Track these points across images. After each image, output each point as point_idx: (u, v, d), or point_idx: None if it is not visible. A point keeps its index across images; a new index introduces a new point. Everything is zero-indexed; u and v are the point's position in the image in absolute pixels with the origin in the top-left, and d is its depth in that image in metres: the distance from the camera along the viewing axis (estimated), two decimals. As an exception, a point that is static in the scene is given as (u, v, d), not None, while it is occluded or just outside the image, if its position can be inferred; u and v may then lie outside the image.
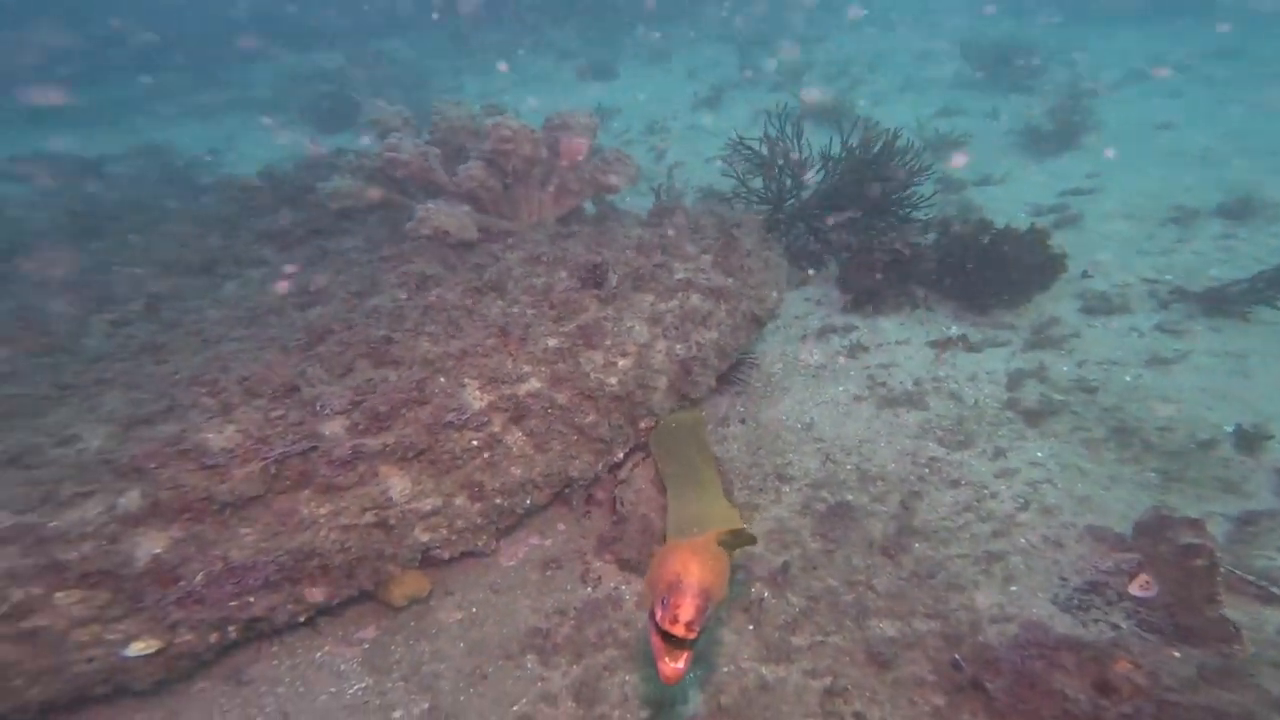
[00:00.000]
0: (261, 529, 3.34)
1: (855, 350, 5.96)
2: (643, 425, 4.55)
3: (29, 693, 3.01)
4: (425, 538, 3.74)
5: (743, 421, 5.26)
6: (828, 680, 3.44)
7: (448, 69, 20.15)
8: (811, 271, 7.35)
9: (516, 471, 3.97)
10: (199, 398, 3.74)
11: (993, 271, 6.39)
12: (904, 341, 6.11)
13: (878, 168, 7.16)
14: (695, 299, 4.79)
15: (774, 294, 5.35)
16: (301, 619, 3.55)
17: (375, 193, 5.83)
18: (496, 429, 3.91)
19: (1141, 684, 2.74)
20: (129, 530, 3.18)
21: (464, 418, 3.72)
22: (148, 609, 3.12)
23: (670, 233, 5.49)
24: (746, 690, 3.45)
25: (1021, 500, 4.44)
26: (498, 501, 3.92)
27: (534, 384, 4.07)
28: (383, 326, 4.22)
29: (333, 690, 3.59)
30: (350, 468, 3.52)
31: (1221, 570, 3.46)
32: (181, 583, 3.14)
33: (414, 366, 3.90)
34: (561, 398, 4.13)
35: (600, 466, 4.37)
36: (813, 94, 12.76)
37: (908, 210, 7.30)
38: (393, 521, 3.59)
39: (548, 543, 4.40)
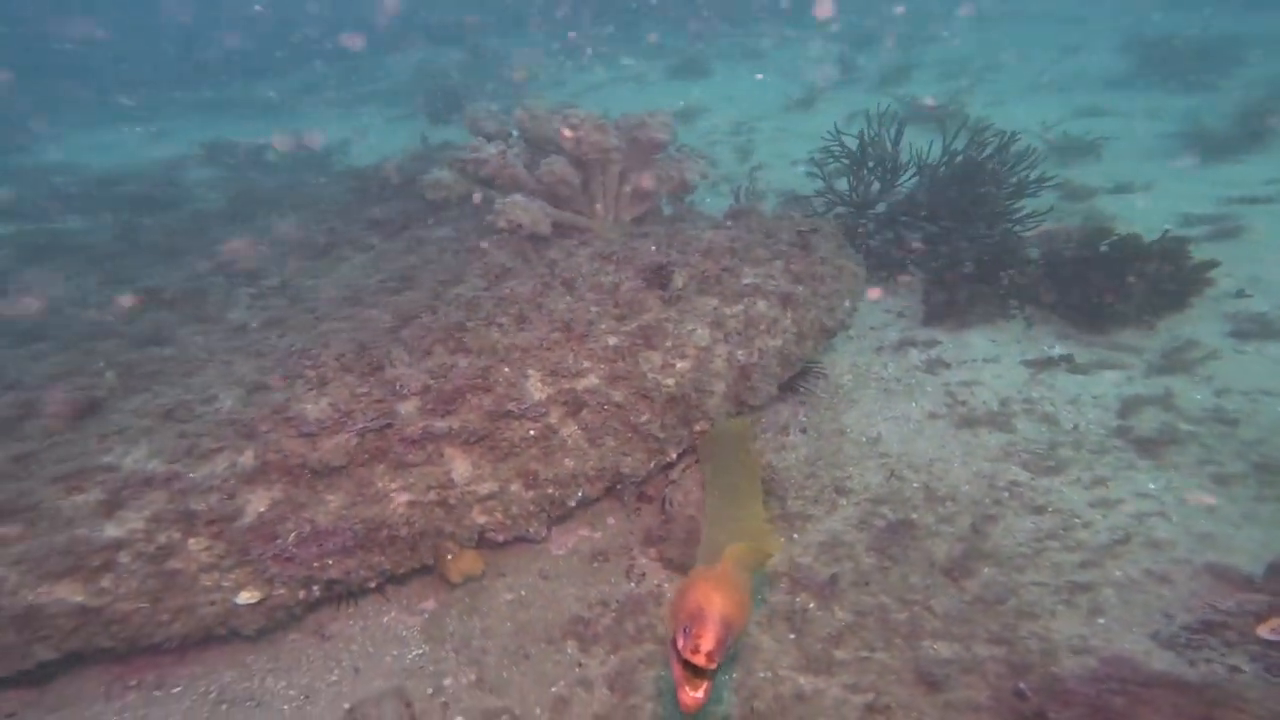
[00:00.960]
0: (344, 497, 3.64)
1: (934, 365, 5.70)
2: (697, 428, 4.57)
3: (173, 627, 3.45)
4: (482, 520, 3.95)
5: (804, 431, 5.16)
6: (870, 696, 3.33)
7: (554, 66, 20.77)
8: (900, 279, 7.06)
9: (570, 463, 4.11)
10: (304, 369, 4.14)
11: (1110, 286, 5.86)
12: (993, 360, 5.76)
13: (980, 174, 6.78)
14: (761, 305, 4.76)
15: (846, 303, 5.22)
16: (372, 584, 3.83)
17: (464, 187, 6.18)
18: (553, 421, 4.06)
19: None
20: (244, 488, 3.57)
21: (523, 407, 3.89)
22: (252, 561, 3.48)
23: (743, 236, 5.48)
24: (782, 698, 3.39)
25: (1122, 532, 4.07)
26: (550, 491, 4.07)
27: (592, 380, 4.20)
28: (460, 315, 4.48)
29: (395, 653, 3.84)
30: (420, 447, 3.77)
31: None
32: (278, 540, 3.47)
33: (482, 355, 4.12)
34: (618, 395, 4.23)
35: (652, 465, 4.44)
36: (923, 97, 12.20)
37: (1010, 222, 6.85)
38: (453, 501, 3.81)
39: (597, 535, 4.52)
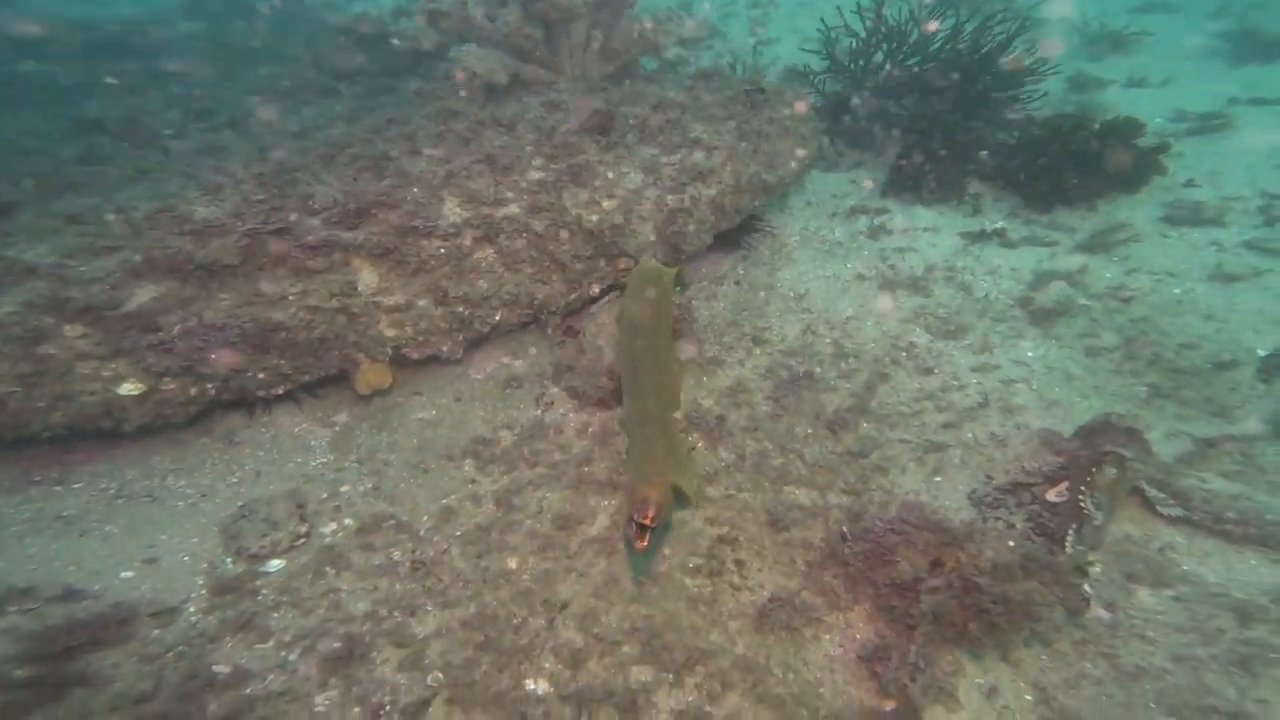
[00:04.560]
0: (237, 297, 3.72)
1: (877, 232, 5.65)
2: (622, 265, 4.61)
3: (52, 416, 3.54)
4: (391, 333, 4.06)
5: (737, 283, 5.19)
6: (724, 529, 3.54)
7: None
8: (882, 154, 6.86)
9: (483, 284, 4.17)
10: (210, 180, 4.15)
11: (1070, 170, 5.78)
12: (933, 229, 5.75)
13: (978, 61, 6.46)
14: (699, 156, 4.70)
15: (791, 164, 5.12)
16: (279, 391, 3.98)
17: (434, 39, 6.03)
18: (467, 243, 4.10)
19: (959, 565, 2.88)
20: (129, 280, 3.62)
21: (430, 225, 3.92)
22: (128, 352, 3.56)
23: (703, 96, 5.33)
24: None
25: (986, 396, 4.25)
26: (460, 310, 4.16)
27: (513, 209, 4.20)
28: (393, 147, 4.44)
29: (299, 461, 4.05)
30: (324, 255, 3.81)
31: (1131, 483, 3.38)
32: (160, 332, 3.56)
33: (400, 178, 4.12)
34: (538, 225, 4.24)
35: (573, 297, 4.51)
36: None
37: (995, 108, 6.57)
38: (356, 310, 3.91)
39: (517, 363, 4.65)
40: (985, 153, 6.19)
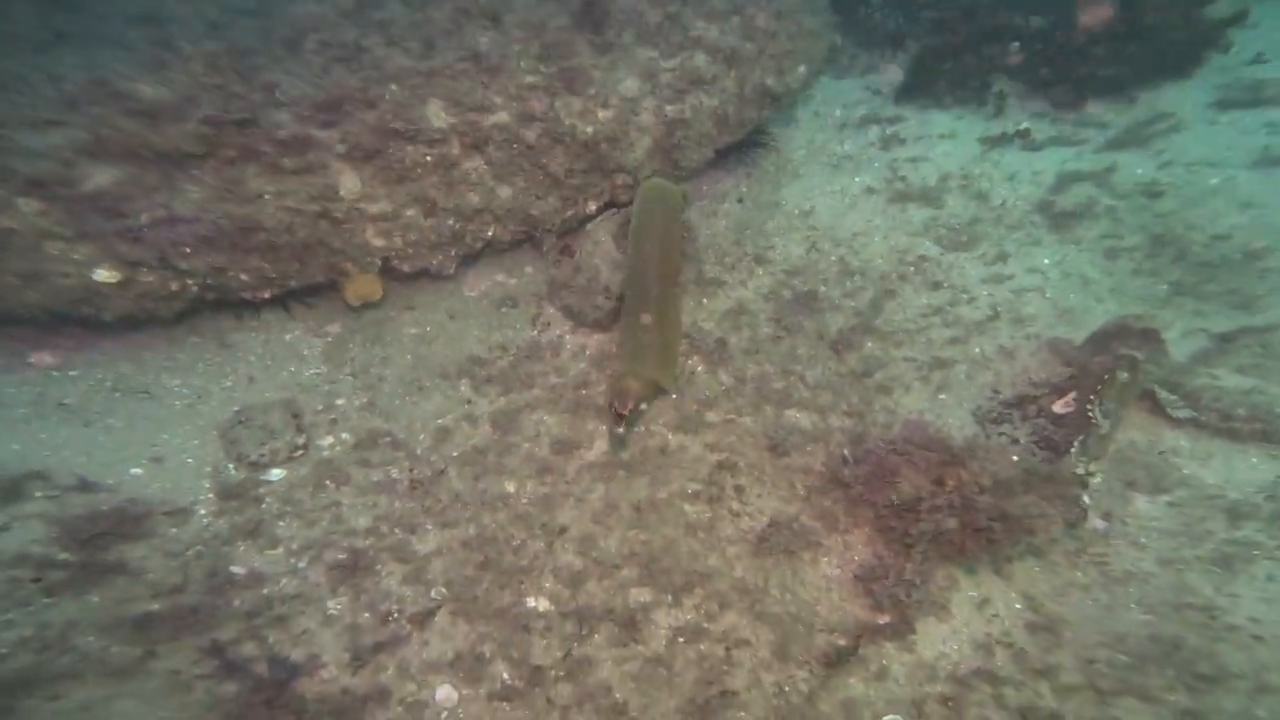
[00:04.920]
0: (207, 191, 3.50)
1: (889, 142, 5.38)
2: (619, 181, 4.40)
3: (27, 295, 3.43)
4: (379, 242, 3.89)
5: (740, 201, 4.98)
6: (724, 455, 3.49)
7: None
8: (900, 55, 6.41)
9: (474, 198, 3.98)
10: (150, 55, 3.77)
11: (1112, 54, 5.37)
12: (949, 135, 5.46)
13: None
14: (701, 60, 4.38)
15: (800, 69, 4.79)
16: (266, 295, 3.84)
17: None
18: (455, 151, 3.89)
19: (961, 483, 2.86)
20: (81, 160, 3.38)
21: (413, 129, 3.69)
22: (94, 236, 3.40)
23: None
24: (648, 450, 3.55)
25: (996, 308, 4.13)
26: (451, 223, 3.99)
27: (502, 116, 3.95)
28: (367, 34, 4.12)
29: (293, 369, 3.99)
30: (297, 154, 3.58)
31: (1142, 387, 3.32)
32: (127, 219, 3.39)
33: (376, 72, 3.84)
34: (530, 135, 4.01)
35: (569, 214, 4.32)
36: None
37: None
38: (339, 215, 3.72)
39: (512, 282, 4.51)
40: (1017, 44, 5.76)
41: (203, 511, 3.26)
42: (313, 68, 3.88)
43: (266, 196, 3.55)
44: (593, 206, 4.39)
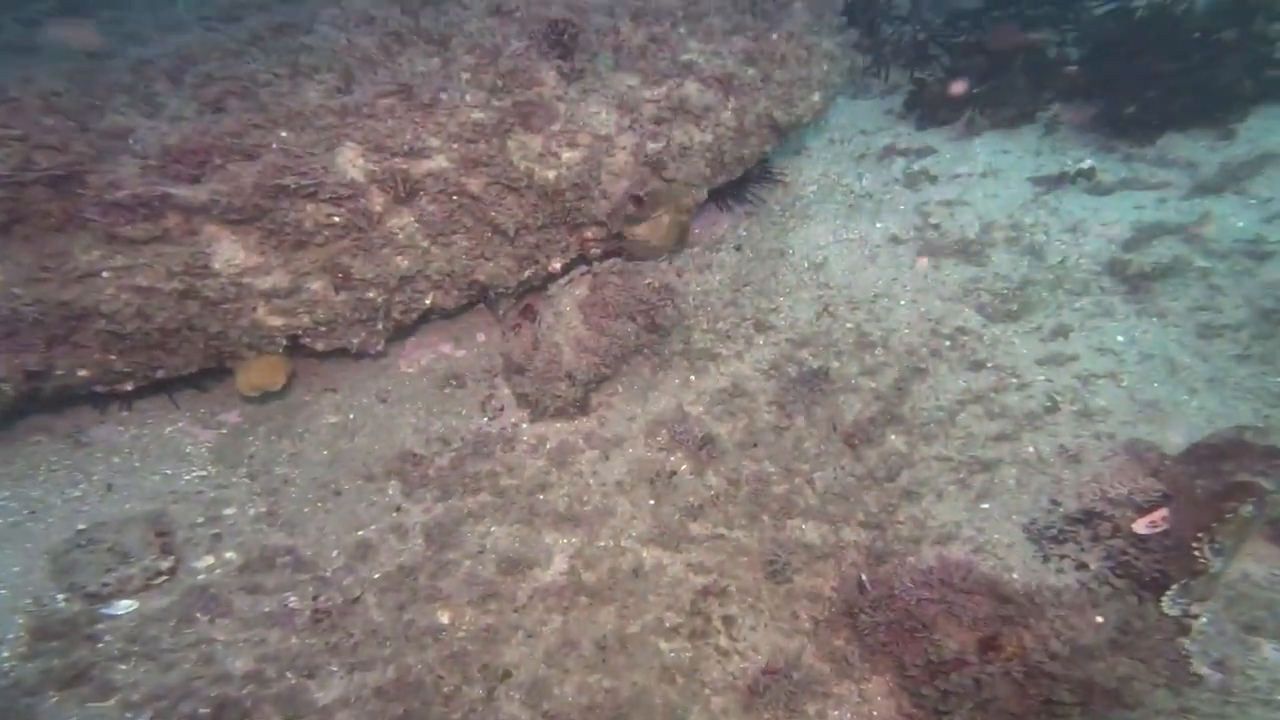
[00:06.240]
0: (12, 269, 2.82)
1: (916, 179, 4.57)
2: (588, 235, 3.66)
3: None
4: (275, 322, 3.18)
5: (738, 249, 4.21)
6: (711, 578, 2.91)
7: None
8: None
9: (402, 262, 3.28)
10: None
11: (1174, 73, 4.55)
12: (992, 174, 4.60)
13: None
14: (693, 88, 3.66)
15: (814, 97, 4.04)
16: (129, 387, 3.20)
17: None
18: (375, 206, 3.15)
19: (1024, 650, 2.34)
20: None
21: (310, 184, 2.94)
22: None
23: (704, 2, 4.17)
24: (617, 571, 2.94)
25: (1054, 397, 3.37)
26: (371, 295, 3.26)
27: (440, 162, 3.24)
28: (272, 66, 3.39)
29: (169, 472, 3.29)
30: (148, 218, 2.88)
31: (1267, 519, 2.70)
32: None
33: (271, 113, 3.11)
34: (474, 184, 3.29)
35: (526, 275, 3.62)
36: None
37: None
38: (212, 294, 3.02)
39: (459, 354, 3.79)
40: (1074, 67, 4.89)
41: (5, 654, 2.69)
42: (189, 108, 3.16)
43: (104, 275, 2.81)
44: (557, 265, 3.66)
